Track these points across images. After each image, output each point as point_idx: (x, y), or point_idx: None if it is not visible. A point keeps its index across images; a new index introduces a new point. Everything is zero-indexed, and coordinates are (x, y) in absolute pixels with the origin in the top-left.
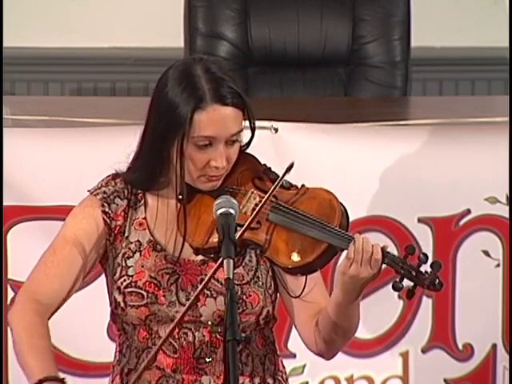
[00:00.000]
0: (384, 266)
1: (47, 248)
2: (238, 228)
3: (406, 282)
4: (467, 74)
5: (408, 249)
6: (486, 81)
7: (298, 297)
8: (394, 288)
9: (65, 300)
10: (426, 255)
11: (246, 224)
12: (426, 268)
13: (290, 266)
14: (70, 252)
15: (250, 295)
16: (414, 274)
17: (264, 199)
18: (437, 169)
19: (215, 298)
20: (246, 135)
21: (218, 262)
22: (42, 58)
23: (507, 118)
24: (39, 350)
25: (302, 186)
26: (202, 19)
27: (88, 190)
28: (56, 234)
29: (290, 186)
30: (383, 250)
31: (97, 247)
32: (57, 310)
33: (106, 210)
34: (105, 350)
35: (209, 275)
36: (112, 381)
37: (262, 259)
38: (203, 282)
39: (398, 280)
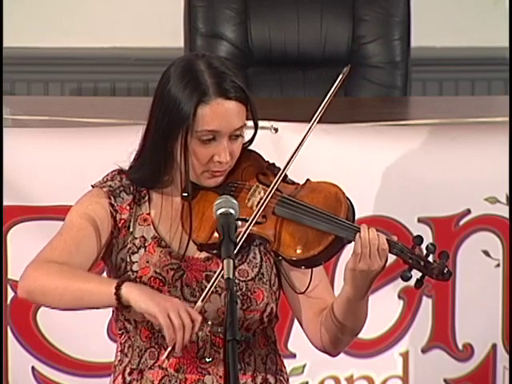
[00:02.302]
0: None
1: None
2: (243, 222)
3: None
4: (467, 74)
5: (415, 239)
6: (486, 81)
7: (304, 292)
8: (403, 278)
9: None
10: (433, 245)
11: (252, 217)
12: (433, 258)
13: (295, 259)
14: (78, 231)
15: (254, 292)
16: (422, 263)
17: (269, 191)
18: (437, 169)
19: (220, 295)
20: (248, 133)
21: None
22: (41, 58)
23: (507, 118)
24: (88, 275)
25: (307, 180)
26: (202, 19)
27: (92, 185)
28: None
29: (293, 183)
30: (389, 240)
31: (105, 230)
32: None
33: (112, 202)
34: (105, 350)
35: (214, 277)
36: (114, 381)
37: (266, 256)
38: (211, 283)
39: (406, 270)
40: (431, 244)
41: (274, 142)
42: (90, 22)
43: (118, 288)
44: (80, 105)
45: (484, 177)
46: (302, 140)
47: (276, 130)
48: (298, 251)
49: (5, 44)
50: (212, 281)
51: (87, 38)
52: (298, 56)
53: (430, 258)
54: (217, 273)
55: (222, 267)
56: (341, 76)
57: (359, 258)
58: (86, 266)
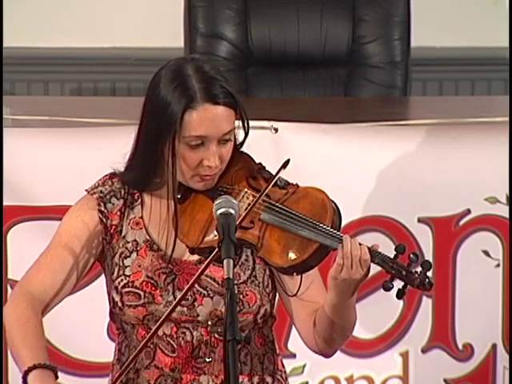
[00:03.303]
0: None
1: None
2: None
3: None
4: (467, 74)
5: (398, 248)
6: (486, 81)
7: (295, 295)
8: (384, 288)
9: (57, 295)
10: (416, 254)
11: (237, 223)
12: (416, 267)
13: (282, 266)
14: (63, 250)
15: (246, 294)
16: (404, 273)
17: (255, 200)
18: (437, 169)
19: (212, 298)
20: (242, 134)
21: (209, 258)
22: (41, 58)
23: (507, 118)
24: (30, 339)
25: (296, 184)
26: (202, 19)
27: (85, 190)
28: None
29: (286, 185)
30: (371, 249)
31: (91, 246)
32: (51, 304)
33: (102, 209)
34: (105, 350)
35: (199, 272)
36: (112, 379)
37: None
38: (193, 279)
39: (388, 280)
40: (413, 253)
41: (274, 141)
42: (90, 22)
43: (26, 372)
44: (80, 105)
45: (484, 177)
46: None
47: (276, 129)
48: (284, 259)
49: (5, 44)
50: (189, 283)
51: (87, 37)
52: (298, 56)
53: (413, 268)
54: (194, 276)
55: (203, 269)
56: (276, 170)
57: (341, 268)
58: (72, 279)
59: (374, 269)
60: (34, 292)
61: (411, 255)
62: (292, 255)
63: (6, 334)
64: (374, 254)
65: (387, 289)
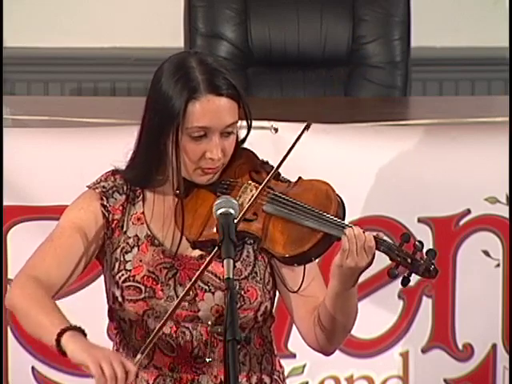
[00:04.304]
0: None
1: (45, 239)
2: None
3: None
4: (467, 74)
5: (403, 237)
6: (486, 81)
7: (297, 291)
8: (390, 275)
9: (62, 286)
10: (421, 243)
11: (241, 214)
12: (421, 255)
13: (285, 256)
14: (67, 239)
15: (247, 290)
16: (409, 260)
17: (259, 189)
18: (437, 169)
19: (213, 293)
20: (244, 132)
21: (212, 253)
22: (41, 58)
23: (507, 118)
24: (50, 309)
25: (299, 178)
26: (202, 19)
27: (87, 186)
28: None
29: (286, 181)
30: (376, 237)
31: (95, 238)
32: (57, 292)
33: (105, 203)
34: None
35: (202, 267)
36: None
37: (260, 255)
38: (197, 274)
39: (393, 267)
40: (419, 242)
41: (274, 141)
42: (90, 22)
43: (59, 335)
44: (80, 105)
45: (484, 177)
46: (296, 140)
47: (276, 129)
48: (287, 248)
49: (5, 44)
50: (192, 280)
51: (87, 37)
52: (298, 56)
53: (418, 256)
54: (199, 271)
55: (206, 265)
56: (280, 160)
57: (346, 255)
58: (75, 271)
59: (374, 269)
60: (39, 277)
61: (416, 243)
62: (296, 245)
63: (20, 315)
64: (380, 242)
65: (393, 275)
